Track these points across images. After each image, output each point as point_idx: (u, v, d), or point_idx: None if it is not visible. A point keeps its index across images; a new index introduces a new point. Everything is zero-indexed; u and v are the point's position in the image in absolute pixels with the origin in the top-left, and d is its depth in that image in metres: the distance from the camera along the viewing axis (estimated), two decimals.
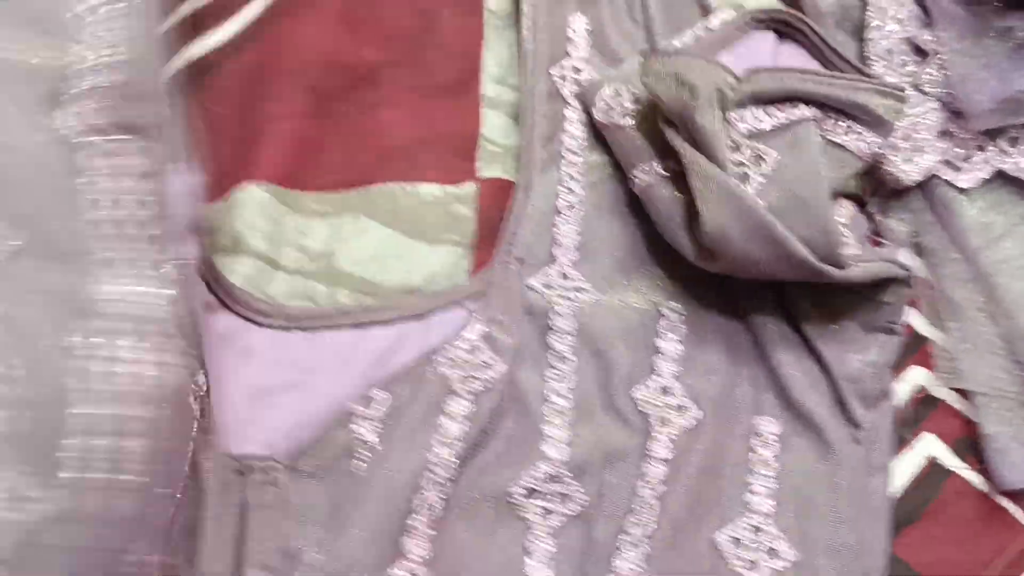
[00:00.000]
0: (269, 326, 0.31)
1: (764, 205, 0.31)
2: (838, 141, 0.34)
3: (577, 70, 0.36)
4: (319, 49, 0.36)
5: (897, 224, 0.37)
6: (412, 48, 0.37)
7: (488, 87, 0.37)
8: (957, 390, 0.34)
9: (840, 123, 0.33)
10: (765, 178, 0.32)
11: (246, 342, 0.31)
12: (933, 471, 0.33)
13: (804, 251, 0.30)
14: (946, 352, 0.35)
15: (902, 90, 0.33)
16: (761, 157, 0.32)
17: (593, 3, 0.38)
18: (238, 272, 0.32)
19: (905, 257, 0.35)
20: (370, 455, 0.29)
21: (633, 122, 0.34)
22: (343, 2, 0.37)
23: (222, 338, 0.30)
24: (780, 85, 0.33)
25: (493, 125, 0.37)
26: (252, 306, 0.31)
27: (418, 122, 0.36)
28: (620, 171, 0.35)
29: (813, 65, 0.37)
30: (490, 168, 0.36)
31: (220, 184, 0.33)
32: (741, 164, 0.32)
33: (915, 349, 0.35)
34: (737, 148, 0.32)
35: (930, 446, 0.34)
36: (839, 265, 0.32)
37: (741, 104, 0.33)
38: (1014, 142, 0.36)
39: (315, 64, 0.36)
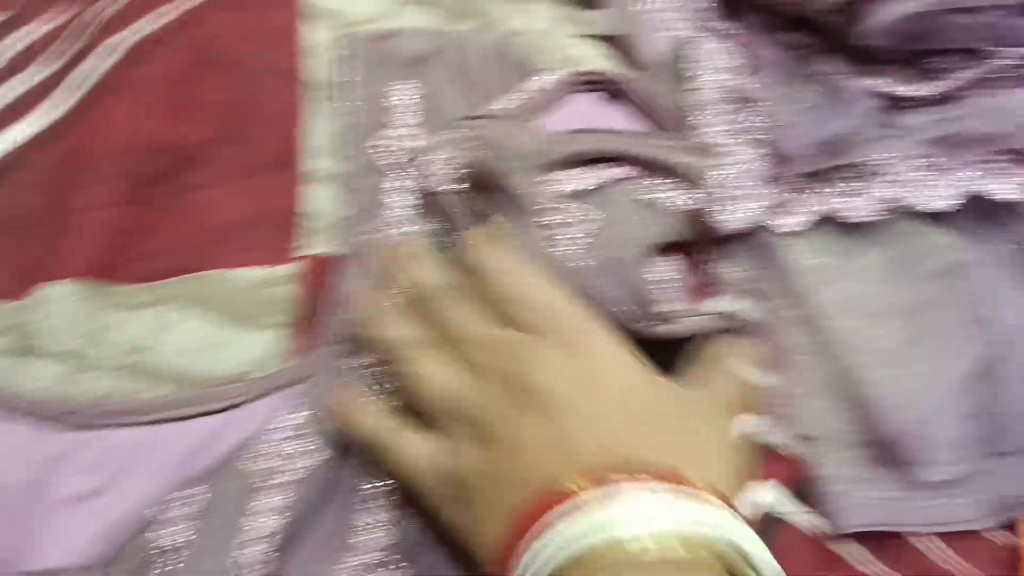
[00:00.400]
0: (77, 427, 0.30)
1: (582, 266, 0.31)
2: (656, 198, 0.34)
3: (401, 139, 0.36)
4: (137, 132, 0.35)
5: (732, 272, 0.37)
6: (235, 125, 0.36)
7: (312, 161, 0.37)
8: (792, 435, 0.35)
9: (657, 180, 0.34)
10: (586, 238, 0.32)
11: (52, 449, 0.30)
12: (769, 520, 0.33)
13: (615, 311, 0.30)
14: (780, 397, 0.35)
15: (712, 147, 0.34)
16: (577, 219, 0.32)
17: (421, 69, 0.38)
18: (42, 375, 0.31)
19: (730, 305, 0.35)
20: (181, 558, 0.28)
21: (464, 187, 0.34)
22: (163, 82, 0.36)
23: (19, 451, 0.29)
24: (595, 146, 0.34)
25: (317, 199, 0.36)
26: (56, 409, 0.30)
27: (242, 202, 0.35)
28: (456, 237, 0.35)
29: (641, 122, 0.37)
30: (315, 244, 0.35)
31: (18, 282, 0.32)
32: (560, 226, 0.32)
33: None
34: (554, 210, 0.32)
35: (765, 494, 0.34)
36: (661, 321, 0.32)
37: (558, 166, 0.33)
38: (836, 184, 0.37)
39: (133, 148, 0.35)
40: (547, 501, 0.24)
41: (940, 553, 0.34)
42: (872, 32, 0.34)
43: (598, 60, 0.40)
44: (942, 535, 0.34)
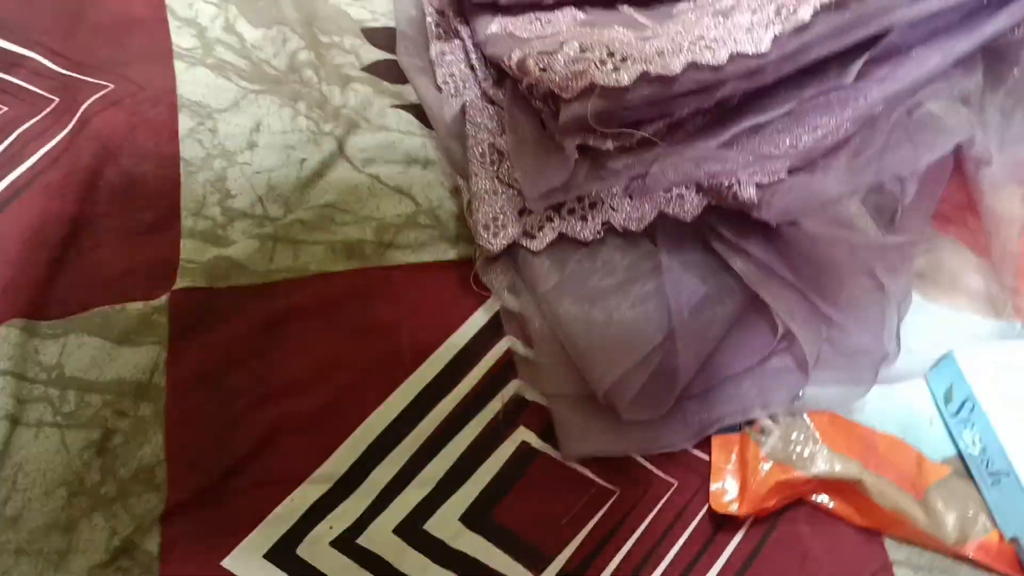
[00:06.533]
0: None
1: None
2: None
3: None
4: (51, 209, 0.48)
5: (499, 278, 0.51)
6: (123, 199, 0.50)
7: (187, 220, 0.50)
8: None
9: None
10: None
11: None
12: (526, 452, 0.47)
13: None
14: (531, 365, 0.49)
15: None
16: None
17: None
18: None
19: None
20: None
21: None
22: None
23: None
24: None
25: (189, 248, 0.50)
26: None
27: (126, 256, 0.48)
28: None
29: None
30: (183, 281, 0.48)
31: None
32: None
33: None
34: None
35: (523, 435, 0.48)
36: None
37: None
38: (571, 212, 0.51)
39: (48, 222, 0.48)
40: None
41: (646, 467, 0.47)
42: (569, 120, 0.48)
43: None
44: (653, 457, 0.48)
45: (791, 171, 0.48)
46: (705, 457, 0.48)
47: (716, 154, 0.48)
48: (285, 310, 0.48)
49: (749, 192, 0.47)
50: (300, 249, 0.50)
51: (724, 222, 0.49)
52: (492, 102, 0.54)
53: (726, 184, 0.48)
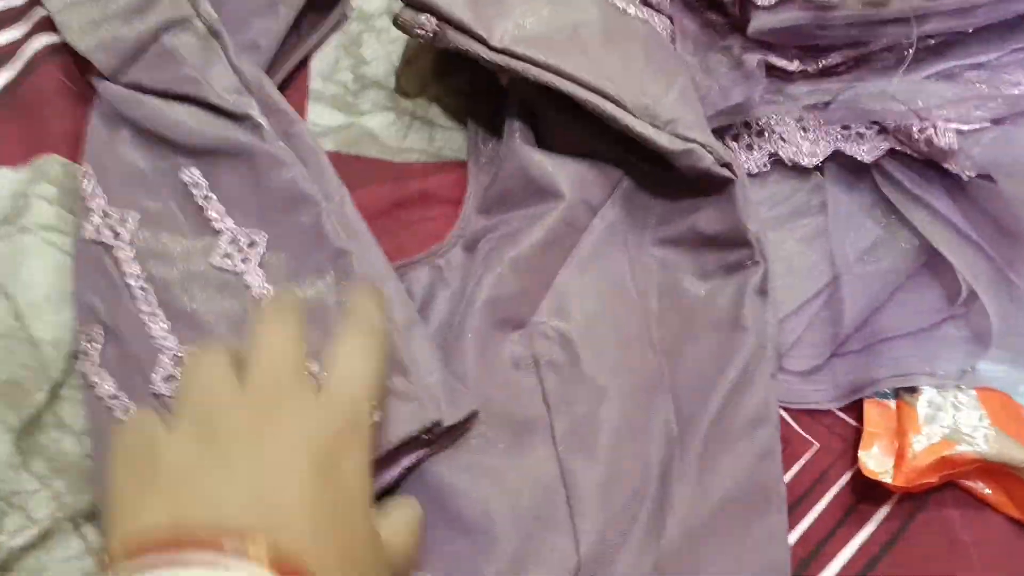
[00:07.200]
0: None
1: None
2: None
3: None
4: None
5: None
6: None
7: (315, 82, 0.45)
8: None
9: None
10: None
11: None
12: None
13: None
14: None
15: None
16: None
17: None
18: None
19: None
20: None
21: None
22: None
23: None
24: None
25: (316, 112, 0.45)
26: None
27: None
28: None
29: None
30: None
31: None
32: None
33: None
34: None
35: None
36: None
37: None
38: (735, 138, 0.46)
39: None
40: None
41: (786, 422, 0.43)
42: (760, 30, 0.43)
43: None
44: (793, 413, 0.43)
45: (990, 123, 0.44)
46: (850, 421, 0.43)
47: (912, 91, 0.44)
48: (415, 192, 0.43)
49: (948, 138, 0.42)
50: (435, 132, 0.45)
51: (902, 169, 0.45)
52: (658, 11, 0.49)
53: (919, 126, 0.43)
